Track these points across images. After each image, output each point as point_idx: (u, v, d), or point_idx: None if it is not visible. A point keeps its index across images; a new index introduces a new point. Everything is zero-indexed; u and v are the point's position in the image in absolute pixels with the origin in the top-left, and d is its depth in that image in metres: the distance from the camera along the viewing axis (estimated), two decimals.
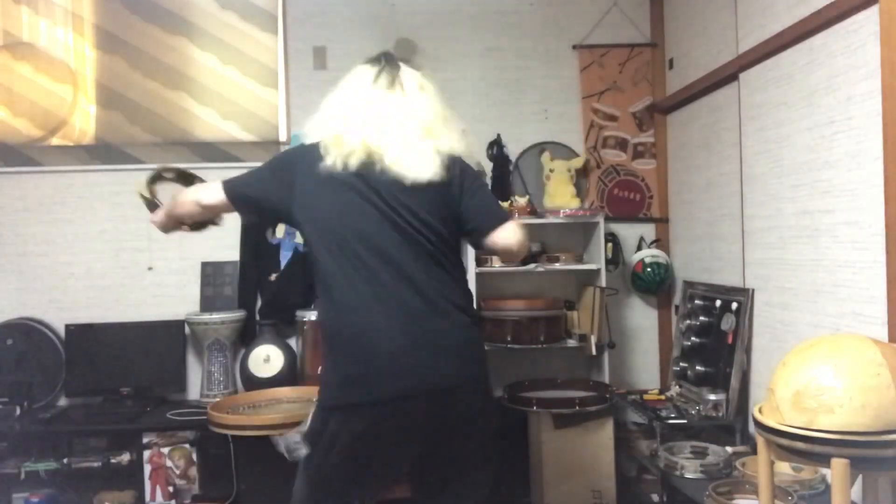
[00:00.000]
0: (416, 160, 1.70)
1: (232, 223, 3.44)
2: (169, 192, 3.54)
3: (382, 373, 1.62)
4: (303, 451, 1.69)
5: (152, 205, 2.12)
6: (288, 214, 1.77)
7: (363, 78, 1.81)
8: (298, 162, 1.76)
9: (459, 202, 1.77)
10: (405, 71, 1.82)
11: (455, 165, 1.77)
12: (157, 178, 2.16)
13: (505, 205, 3.26)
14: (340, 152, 1.70)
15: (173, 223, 2.01)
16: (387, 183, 1.69)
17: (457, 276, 1.76)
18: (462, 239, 1.86)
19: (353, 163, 1.69)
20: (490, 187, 3.39)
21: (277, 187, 1.76)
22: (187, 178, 2.19)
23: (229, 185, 1.83)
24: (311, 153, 1.74)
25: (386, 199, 1.69)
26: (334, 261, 1.67)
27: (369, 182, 1.69)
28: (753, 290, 2.69)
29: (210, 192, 1.86)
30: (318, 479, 1.72)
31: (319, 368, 1.95)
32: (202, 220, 2.01)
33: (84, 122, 3.48)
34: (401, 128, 1.73)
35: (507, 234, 1.80)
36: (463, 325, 1.71)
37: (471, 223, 1.80)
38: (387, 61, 1.83)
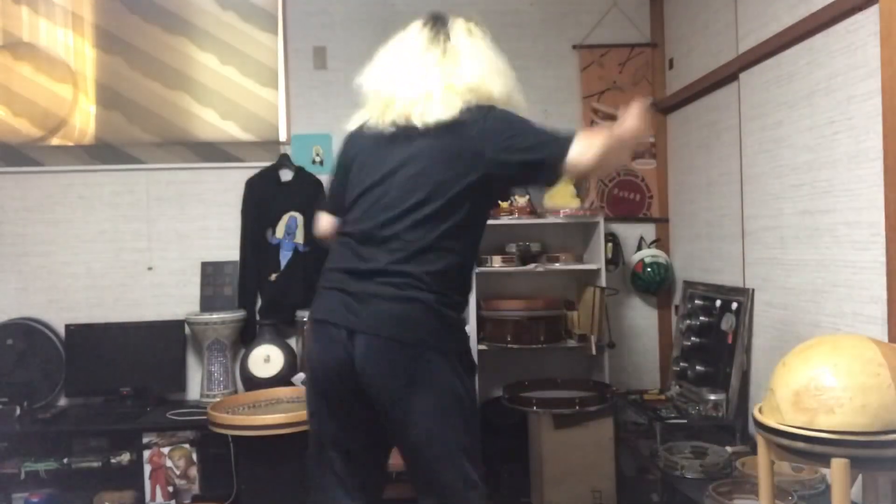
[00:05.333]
0: (436, 108, 1.68)
1: (232, 223, 3.46)
2: (176, 190, 3.55)
3: (333, 309, 1.68)
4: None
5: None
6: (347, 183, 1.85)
7: (409, 33, 1.83)
8: (353, 135, 1.85)
9: (485, 152, 1.64)
10: (455, 22, 1.83)
11: (479, 112, 1.67)
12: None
13: (504, 205, 3.27)
14: (377, 109, 1.76)
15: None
16: (408, 136, 1.70)
17: (446, 245, 1.65)
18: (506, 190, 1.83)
19: (388, 118, 1.73)
20: None
21: (346, 172, 1.83)
22: None
23: (322, 206, 1.96)
24: (361, 125, 1.82)
25: (401, 153, 1.71)
26: (348, 215, 1.77)
27: (400, 140, 1.71)
28: (753, 290, 2.69)
29: (322, 223, 1.95)
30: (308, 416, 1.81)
31: None
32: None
33: (84, 122, 3.48)
34: (428, 77, 1.72)
35: (579, 155, 1.57)
36: (411, 298, 1.62)
37: (530, 170, 1.64)
38: (434, 17, 1.84)
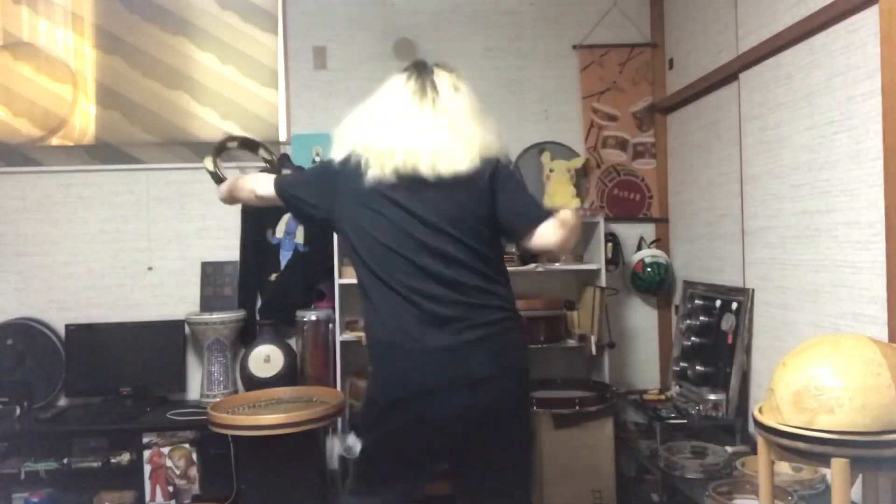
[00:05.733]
0: (448, 160, 1.72)
1: (232, 223, 3.46)
2: (176, 190, 3.55)
3: (414, 371, 1.70)
4: (358, 446, 1.87)
5: (217, 178, 2.19)
6: (329, 221, 1.86)
7: (394, 85, 1.84)
8: (342, 171, 1.80)
9: (491, 203, 1.77)
10: (439, 74, 1.84)
11: (488, 165, 1.77)
12: (221, 149, 2.22)
13: None
14: (377, 162, 1.74)
15: (234, 201, 2.15)
16: (420, 188, 1.72)
17: (492, 277, 1.76)
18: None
19: (389, 171, 1.72)
20: None
21: (321, 194, 1.84)
22: (251, 146, 2.28)
23: (280, 184, 1.94)
24: (350, 164, 1.78)
25: (418, 205, 1.72)
26: (371, 271, 1.75)
27: (404, 189, 1.72)
28: (753, 290, 2.69)
29: (265, 185, 1.97)
30: (367, 470, 1.83)
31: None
32: (258, 206, 2.13)
33: (84, 122, 3.48)
34: (433, 131, 1.75)
35: (545, 235, 1.77)
36: (492, 322, 1.72)
37: (504, 226, 1.80)
38: (417, 67, 1.86)
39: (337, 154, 1.84)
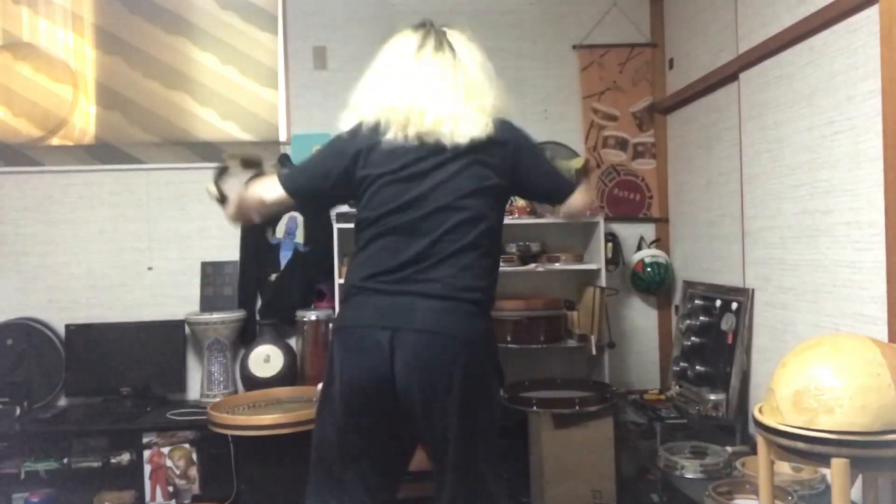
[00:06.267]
0: (467, 123, 1.71)
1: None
2: (176, 190, 3.55)
3: (370, 316, 1.68)
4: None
5: (222, 199, 2.07)
6: (350, 188, 1.78)
7: (408, 45, 1.80)
8: (359, 134, 1.76)
9: (514, 173, 1.79)
10: (451, 33, 1.84)
11: (506, 132, 1.79)
12: (222, 172, 2.12)
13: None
14: (398, 123, 1.71)
15: (244, 218, 2.01)
16: (437, 150, 1.70)
17: (481, 253, 1.73)
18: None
19: (412, 132, 1.70)
20: None
21: (337, 163, 1.77)
22: (251, 164, 2.16)
23: (286, 178, 1.83)
24: (368, 127, 1.74)
25: (433, 169, 1.71)
26: (374, 229, 1.72)
27: (424, 151, 1.71)
28: (753, 290, 2.69)
29: (271, 189, 1.84)
30: (321, 439, 1.76)
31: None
32: (272, 215, 2.06)
33: (84, 122, 3.48)
34: (453, 91, 1.74)
35: (574, 204, 1.89)
36: (461, 311, 1.68)
37: (541, 195, 1.93)
38: (431, 25, 1.84)
39: (351, 120, 1.79)
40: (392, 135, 1.71)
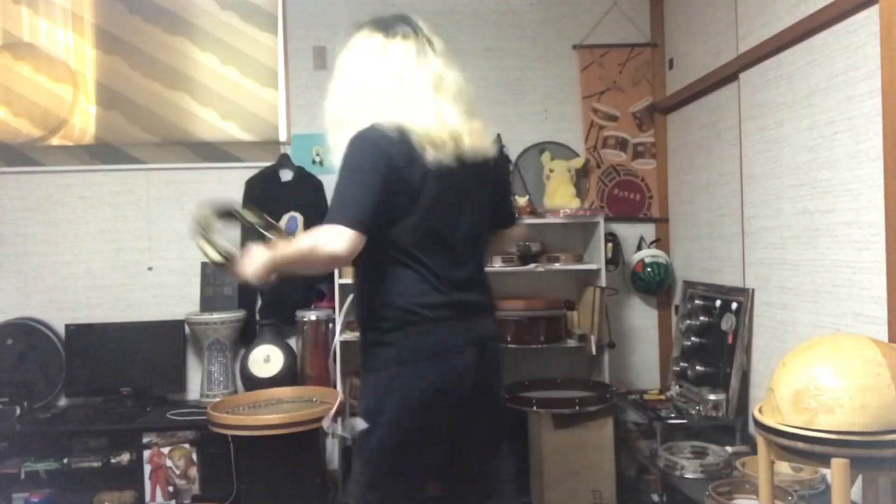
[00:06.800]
0: (481, 141, 1.75)
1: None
2: (176, 190, 3.54)
3: (435, 340, 1.70)
4: (362, 425, 1.67)
5: (231, 261, 1.75)
6: (401, 209, 1.66)
7: (406, 53, 1.79)
8: (391, 152, 1.61)
9: (495, 189, 1.85)
10: (434, 38, 1.88)
11: (499, 150, 1.88)
12: (206, 228, 1.81)
13: None
14: (434, 139, 1.64)
15: (278, 277, 1.76)
16: (464, 169, 1.71)
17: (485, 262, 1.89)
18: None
19: (448, 150, 1.67)
20: None
21: (392, 188, 1.61)
22: (228, 215, 1.86)
23: (356, 222, 1.56)
24: (398, 142, 1.61)
25: (464, 188, 1.73)
26: (417, 249, 1.67)
27: (458, 167, 1.70)
28: (753, 290, 2.69)
29: (339, 241, 1.55)
30: (379, 455, 1.71)
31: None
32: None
33: (84, 122, 3.48)
34: (466, 106, 1.77)
35: (520, 230, 2.07)
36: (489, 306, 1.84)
37: (501, 218, 1.92)
38: (415, 31, 1.85)
39: (347, 136, 1.64)
40: (430, 154, 1.64)
